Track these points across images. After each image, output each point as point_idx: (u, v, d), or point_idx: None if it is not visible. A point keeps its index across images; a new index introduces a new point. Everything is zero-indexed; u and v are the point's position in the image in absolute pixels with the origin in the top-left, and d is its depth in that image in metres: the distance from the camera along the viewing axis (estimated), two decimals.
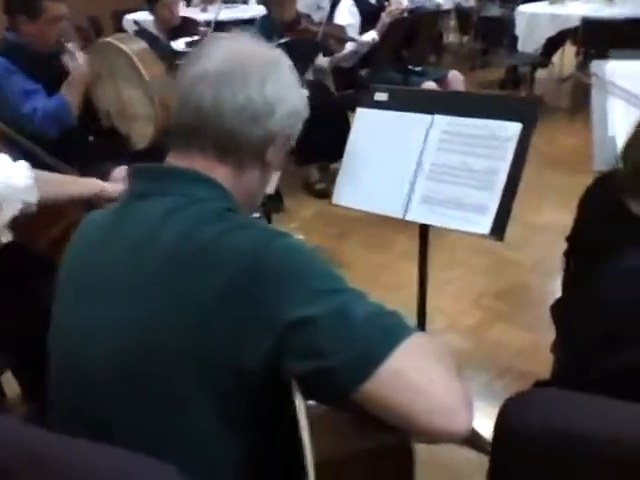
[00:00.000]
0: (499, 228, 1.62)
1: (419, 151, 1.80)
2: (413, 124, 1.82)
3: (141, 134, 2.66)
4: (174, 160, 0.95)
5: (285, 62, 0.97)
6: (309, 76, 3.48)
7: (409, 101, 1.87)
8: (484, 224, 1.64)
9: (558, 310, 1.44)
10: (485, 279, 2.79)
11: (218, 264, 0.81)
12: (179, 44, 3.33)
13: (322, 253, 0.91)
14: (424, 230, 1.89)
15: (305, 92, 1.05)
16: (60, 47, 2.48)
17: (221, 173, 0.94)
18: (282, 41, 3.10)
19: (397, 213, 1.80)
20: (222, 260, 0.81)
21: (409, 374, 0.76)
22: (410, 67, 3.66)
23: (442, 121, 1.77)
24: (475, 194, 1.68)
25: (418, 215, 1.77)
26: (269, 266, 0.80)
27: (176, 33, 3.29)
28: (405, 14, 3.76)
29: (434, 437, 0.75)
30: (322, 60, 3.70)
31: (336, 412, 0.80)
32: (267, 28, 3.34)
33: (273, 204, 3.13)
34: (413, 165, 1.80)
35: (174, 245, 0.84)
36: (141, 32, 3.29)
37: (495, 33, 5.73)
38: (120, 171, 2.45)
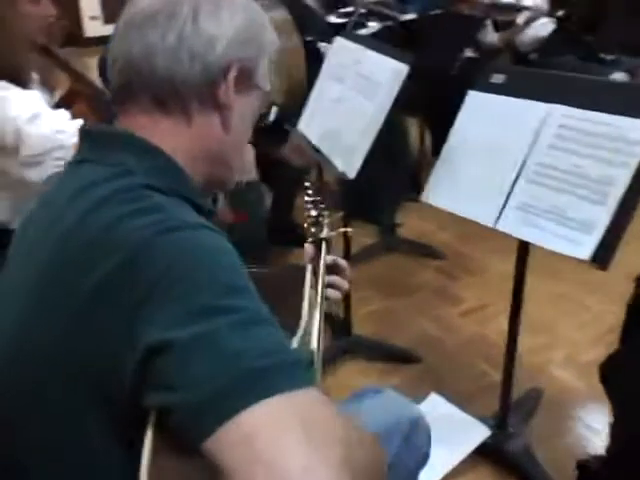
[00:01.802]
0: (604, 254, 1.24)
1: (527, 147, 1.46)
2: (526, 114, 1.49)
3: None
4: (118, 122, 0.81)
5: None
6: (469, 53, 3.11)
7: (528, 85, 1.53)
8: (585, 246, 1.27)
9: (611, 369, 1.06)
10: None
11: (106, 255, 0.63)
12: (336, 16, 3.18)
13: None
14: (524, 243, 1.55)
15: (261, 14, 0.84)
16: None
17: (167, 128, 0.78)
18: (433, 13, 2.80)
19: (488, 220, 1.49)
20: (110, 250, 0.63)
21: (260, 441, 0.53)
22: (601, 56, 3.14)
23: (560, 113, 1.42)
24: (582, 206, 1.31)
25: (511, 225, 1.44)
26: (145, 266, 0.61)
27: (330, 4, 3.14)
28: None
29: None
30: (492, 36, 3.31)
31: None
32: None
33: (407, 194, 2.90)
34: (518, 164, 1.47)
35: (71, 227, 0.68)
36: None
37: None
38: None
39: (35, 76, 1.68)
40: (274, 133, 2.43)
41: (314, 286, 1.14)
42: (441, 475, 1.70)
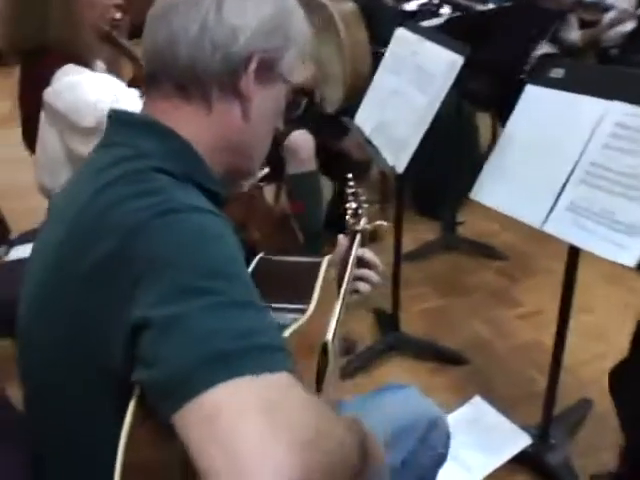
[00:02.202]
0: None
1: (582, 145, 1.39)
2: (583, 110, 1.41)
3: (332, 98, 2.59)
4: (143, 108, 0.83)
5: None
6: (545, 49, 2.98)
7: (587, 81, 1.45)
8: (632, 251, 1.20)
9: (621, 378, 0.98)
10: None
11: (105, 235, 0.66)
12: (412, 5, 3.13)
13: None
14: (574, 248, 1.48)
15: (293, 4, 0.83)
16: None
17: (187, 114, 0.79)
18: (508, 4, 2.69)
19: (536, 221, 1.43)
20: (109, 231, 0.66)
21: (220, 421, 0.53)
22: None
23: (619, 110, 1.34)
24: (632, 209, 1.24)
25: (559, 227, 1.38)
26: (144, 244, 0.63)
27: None
28: None
29: None
30: (575, 34, 3.16)
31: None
32: None
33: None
34: (570, 163, 1.40)
35: (84, 205, 0.71)
36: None
37: None
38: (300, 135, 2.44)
39: (101, 65, 1.75)
40: (335, 126, 2.43)
41: (340, 277, 1.14)
42: (479, 479, 1.66)
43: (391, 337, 2.17)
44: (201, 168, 0.79)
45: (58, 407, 0.73)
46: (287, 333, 0.72)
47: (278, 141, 2.46)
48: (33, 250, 0.82)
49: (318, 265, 0.96)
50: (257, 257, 0.97)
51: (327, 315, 1.02)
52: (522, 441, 1.71)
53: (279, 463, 0.52)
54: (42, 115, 1.56)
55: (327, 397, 0.99)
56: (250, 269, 0.94)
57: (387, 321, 2.23)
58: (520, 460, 1.68)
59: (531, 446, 1.69)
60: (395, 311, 2.16)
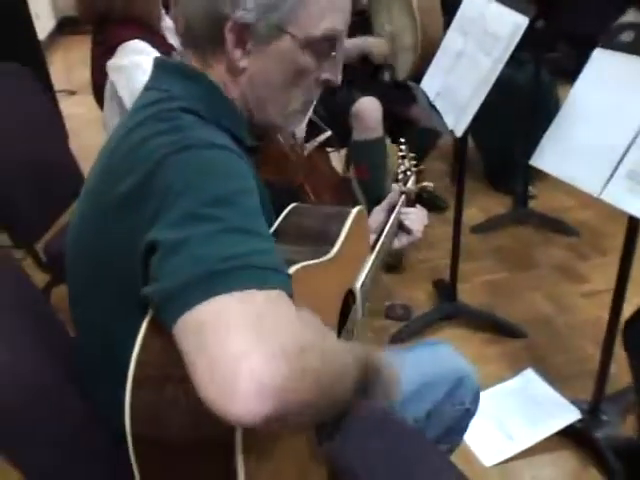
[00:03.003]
0: None
1: None
2: None
3: (403, 65, 2.57)
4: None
5: None
6: (632, 16, 2.80)
7: None
8: None
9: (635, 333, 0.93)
10: None
11: (133, 169, 0.72)
12: None
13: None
14: (634, 220, 1.42)
15: None
16: None
17: (211, 66, 0.85)
18: None
19: (594, 188, 1.38)
20: (136, 166, 0.72)
21: (208, 330, 0.58)
22: None
23: None
24: None
25: (617, 195, 1.33)
26: (162, 178, 0.69)
27: None
28: None
29: (215, 411, 0.57)
30: None
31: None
32: None
33: None
34: (634, 129, 1.34)
35: (119, 141, 0.78)
36: None
37: None
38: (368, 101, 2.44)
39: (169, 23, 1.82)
40: (404, 92, 2.41)
41: (379, 234, 1.16)
42: (521, 448, 1.65)
43: (447, 306, 2.17)
44: (228, 112, 0.84)
45: (92, 317, 0.81)
46: (294, 268, 0.75)
47: (346, 107, 2.47)
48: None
49: (348, 214, 0.99)
50: (290, 206, 1.00)
51: (357, 264, 1.04)
52: (571, 415, 1.68)
53: (255, 369, 0.55)
54: (107, 84, 1.64)
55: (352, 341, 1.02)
56: (282, 216, 0.98)
57: (445, 291, 2.22)
58: (568, 434, 1.66)
59: (580, 421, 1.65)
60: (453, 281, 2.15)
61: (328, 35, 0.84)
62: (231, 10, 0.79)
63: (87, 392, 0.85)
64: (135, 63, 1.54)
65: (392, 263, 2.43)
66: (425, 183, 1.36)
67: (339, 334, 0.96)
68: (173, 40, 1.77)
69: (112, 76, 1.58)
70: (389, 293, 2.33)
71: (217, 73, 0.85)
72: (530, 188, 2.85)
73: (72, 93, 4.71)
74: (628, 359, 1.04)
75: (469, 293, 2.27)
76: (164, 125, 0.74)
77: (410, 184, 1.33)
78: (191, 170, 0.69)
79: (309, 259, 0.83)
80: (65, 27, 6.93)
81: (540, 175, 2.86)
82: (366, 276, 1.05)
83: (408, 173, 1.35)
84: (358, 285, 1.02)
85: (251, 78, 0.85)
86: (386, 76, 2.61)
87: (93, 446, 0.87)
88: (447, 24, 2.21)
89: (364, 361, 0.73)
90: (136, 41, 1.59)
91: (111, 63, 1.58)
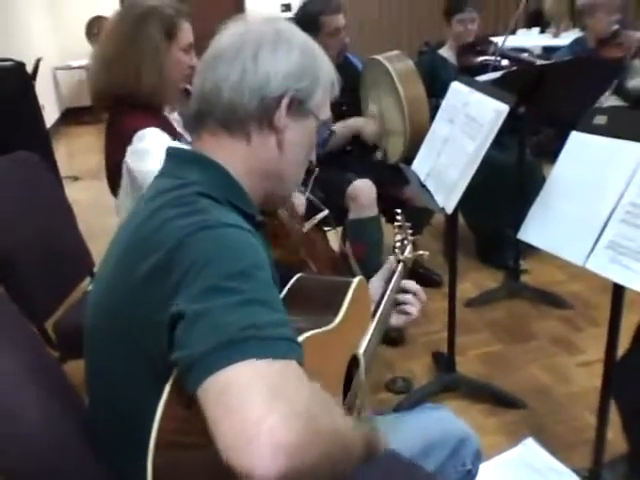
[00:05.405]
0: None
1: (623, 186, 1.44)
2: (625, 154, 1.47)
3: (395, 150, 2.72)
4: (193, 144, 0.99)
5: (286, 29, 0.95)
6: (611, 101, 3.00)
7: (628, 126, 1.51)
8: None
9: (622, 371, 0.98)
10: None
11: (155, 249, 0.80)
12: (474, 62, 3.23)
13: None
14: (619, 289, 1.50)
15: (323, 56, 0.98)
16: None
17: (229, 146, 0.94)
18: (567, 59, 2.75)
19: (578, 258, 1.47)
20: (158, 246, 0.80)
21: (229, 394, 0.65)
22: None
23: None
24: None
25: (600, 264, 1.42)
26: (184, 255, 0.77)
27: (466, 51, 3.20)
28: None
29: (234, 466, 0.62)
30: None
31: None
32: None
33: None
34: (611, 204, 1.45)
35: (142, 222, 0.86)
36: (429, 52, 3.31)
37: None
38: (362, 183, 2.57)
39: (177, 117, 1.95)
40: (397, 175, 2.54)
41: (379, 302, 1.24)
42: None
43: (446, 377, 2.21)
44: (239, 193, 0.93)
45: (112, 388, 0.86)
46: (303, 337, 0.82)
47: (342, 189, 2.61)
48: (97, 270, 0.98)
49: (350, 283, 1.07)
50: (296, 276, 1.09)
51: (359, 332, 1.11)
52: None
53: (274, 428, 0.62)
54: (123, 169, 1.75)
55: (355, 407, 1.07)
56: (288, 285, 1.06)
57: (444, 362, 2.27)
58: None
59: None
60: (451, 352, 2.20)
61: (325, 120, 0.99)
62: (290, 88, 0.92)
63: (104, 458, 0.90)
64: (151, 149, 1.63)
65: (394, 336, 2.49)
66: (421, 252, 1.45)
67: (344, 396, 1.02)
68: (180, 129, 1.90)
69: (129, 161, 1.68)
70: (390, 366, 2.37)
71: (231, 154, 0.94)
72: (522, 262, 2.95)
73: (76, 179, 4.89)
74: (615, 403, 1.08)
75: (467, 365, 2.32)
76: (183, 209, 0.83)
77: (407, 252, 1.41)
78: (210, 247, 0.77)
79: (315, 327, 0.90)
80: (68, 117, 7.26)
81: (531, 250, 2.98)
82: (369, 341, 1.11)
83: (405, 242, 1.44)
84: (361, 350, 1.09)
85: (285, 151, 0.96)
86: (378, 155, 2.75)
87: None
88: (434, 108, 2.38)
89: (368, 438, 0.79)
90: (152, 128, 1.69)
91: (129, 149, 1.68)
